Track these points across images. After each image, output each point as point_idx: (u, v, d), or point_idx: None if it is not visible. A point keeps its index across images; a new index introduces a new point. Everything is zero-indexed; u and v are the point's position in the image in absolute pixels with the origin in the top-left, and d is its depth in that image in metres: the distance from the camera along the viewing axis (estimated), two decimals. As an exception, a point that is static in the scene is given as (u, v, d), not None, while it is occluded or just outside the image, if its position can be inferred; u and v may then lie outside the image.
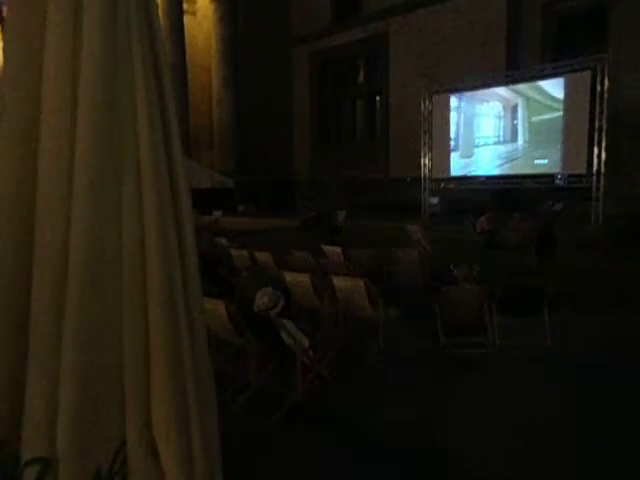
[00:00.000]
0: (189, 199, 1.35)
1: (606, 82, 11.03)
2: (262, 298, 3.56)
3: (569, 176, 12.16)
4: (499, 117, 13.71)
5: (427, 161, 15.09)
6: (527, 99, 13.05)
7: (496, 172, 13.82)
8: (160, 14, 1.60)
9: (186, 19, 19.61)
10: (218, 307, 3.40)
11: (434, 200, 15.17)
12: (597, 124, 11.26)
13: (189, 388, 1.22)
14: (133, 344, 1.18)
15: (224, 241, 7.78)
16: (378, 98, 19.51)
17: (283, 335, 3.40)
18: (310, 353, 3.52)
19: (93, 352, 1.14)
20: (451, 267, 4.96)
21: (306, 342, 3.49)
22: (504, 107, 13.57)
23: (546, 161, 12.85)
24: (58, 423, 1.10)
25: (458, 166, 14.68)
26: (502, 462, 2.75)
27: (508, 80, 13.60)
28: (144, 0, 1.29)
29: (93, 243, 1.15)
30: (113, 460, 1.16)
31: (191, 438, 1.21)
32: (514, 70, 13.95)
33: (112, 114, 1.18)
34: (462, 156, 14.56)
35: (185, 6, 19.61)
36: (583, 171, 11.80)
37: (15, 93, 1.18)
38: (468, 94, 14.28)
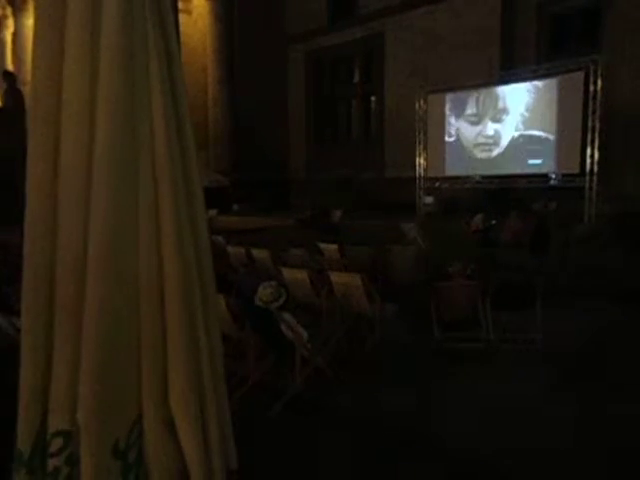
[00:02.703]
0: (202, 193, 1.41)
1: (599, 83, 11.16)
2: (265, 290, 3.62)
3: (563, 176, 12.30)
4: (492, 116, 13.83)
5: (422, 160, 15.19)
6: (521, 100, 13.18)
7: (490, 172, 13.93)
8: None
9: (181, 18, 19.61)
10: (218, 301, 3.45)
11: (429, 199, 15.27)
12: (590, 124, 11.39)
13: (204, 364, 1.28)
14: (151, 324, 1.24)
15: (220, 239, 7.83)
16: (374, 97, 19.57)
17: (283, 328, 3.47)
18: (309, 346, 3.58)
19: (113, 332, 1.21)
20: (446, 264, 5.04)
21: (305, 335, 3.55)
22: (497, 106, 13.69)
23: (540, 161, 12.98)
24: (79, 397, 1.17)
25: (453, 165, 14.79)
26: (498, 450, 2.83)
27: (502, 80, 13.73)
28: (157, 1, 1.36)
29: (112, 233, 1.21)
30: (129, 433, 1.23)
31: (206, 411, 1.28)
32: (508, 70, 14.08)
33: (129, 109, 1.24)
34: (457, 155, 14.66)
35: (180, 5, 19.60)
36: (576, 171, 11.94)
37: (42, 91, 1.24)
38: (463, 94, 14.39)
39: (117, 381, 1.22)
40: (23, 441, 1.25)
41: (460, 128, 14.55)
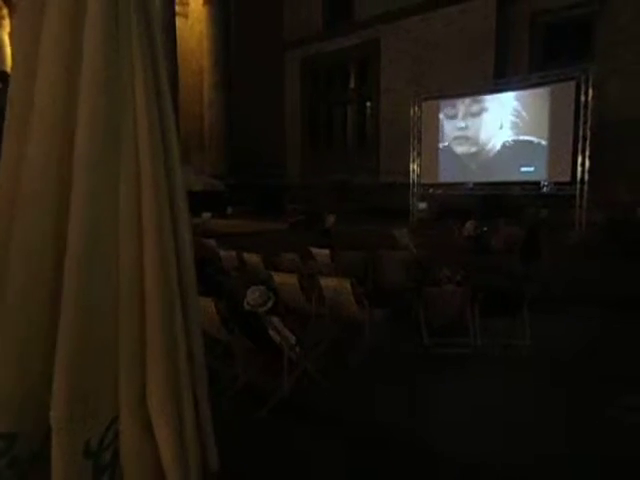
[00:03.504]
0: (185, 193, 1.42)
1: (590, 92, 11.30)
2: (253, 294, 3.63)
3: (555, 184, 12.42)
4: (485, 123, 13.96)
5: (416, 166, 15.28)
6: (512, 108, 13.32)
7: (483, 178, 14.04)
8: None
9: (178, 21, 19.66)
10: (207, 304, 3.47)
11: (422, 205, 15.36)
12: (581, 133, 11.53)
13: (182, 365, 1.29)
14: (129, 325, 1.26)
15: (212, 242, 7.83)
16: (369, 103, 19.70)
17: (271, 332, 3.49)
18: (297, 350, 3.60)
19: (89, 334, 1.21)
20: (435, 270, 5.09)
21: (293, 339, 3.57)
22: (490, 114, 13.82)
23: (532, 168, 13.10)
24: (52, 395, 1.17)
25: (446, 172, 14.88)
26: (484, 452, 2.85)
27: (496, 88, 13.88)
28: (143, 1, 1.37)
29: (90, 233, 1.22)
30: (105, 433, 1.24)
31: (184, 412, 1.29)
32: (502, 79, 14.23)
33: (111, 113, 1.26)
34: (451, 161, 14.76)
35: (177, 8, 19.67)
36: (567, 179, 12.06)
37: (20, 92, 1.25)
38: (457, 101, 14.52)
39: (92, 382, 1.22)
40: None
41: (453, 135, 14.66)
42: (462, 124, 14.44)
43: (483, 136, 14.08)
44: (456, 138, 14.60)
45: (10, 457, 1.21)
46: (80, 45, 1.22)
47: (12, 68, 1.29)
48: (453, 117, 14.65)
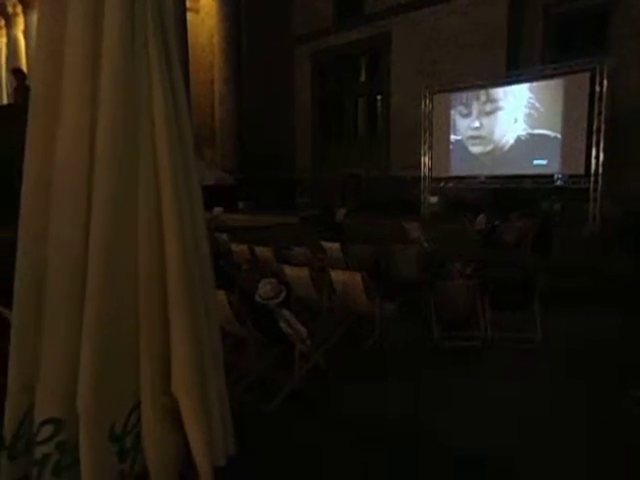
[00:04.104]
0: (200, 189, 1.47)
1: (605, 84, 11.13)
2: (265, 287, 3.68)
3: (569, 177, 12.27)
4: (499, 116, 13.82)
5: (427, 160, 15.20)
6: (527, 100, 13.17)
7: (495, 172, 13.92)
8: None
9: (189, 16, 19.71)
10: (219, 297, 3.52)
11: (434, 199, 15.28)
12: (595, 125, 11.37)
13: (206, 353, 1.34)
14: (152, 315, 1.30)
15: (224, 236, 7.91)
16: (379, 97, 19.59)
17: (282, 325, 3.53)
18: (308, 342, 3.65)
19: (113, 324, 1.27)
20: (446, 263, 5.09)
21: (304, 332, 3.61)
22: (503, 106, 13.68)
23: (545, 161, 12.96)
24: (79, 385, 1.23)
25: (458, 165, 14.79)
26: (496, 445, 2.87)
27: (508, 80, 13.72)
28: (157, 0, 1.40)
29: (113, 226, 1.27)
30: (127, 418, 1.29)
31: (209, 398, 1.34)
32: (514, 71, 14.06)
33: (130, 107, 1.29)
34: (462, 155, 14.66)
35: (188, 3, 19.72)
36: (581, 172, 11.92)
37: (42, 90, 1.29)
38: (469, 93, 14.39)
39: (115, 369, 1.28)
40: (7, 428, 1.32)
41: (465, 127, 14.55)
42: (474, 117, 14.31)
43: (496, 129, 13.94)
44: (468, 130, 14.47)
45: (58, 441, 1.28)
46: (100, 45, 1.26)
47: (33, 66, 1.33)
48: (466, 110, 14.53)
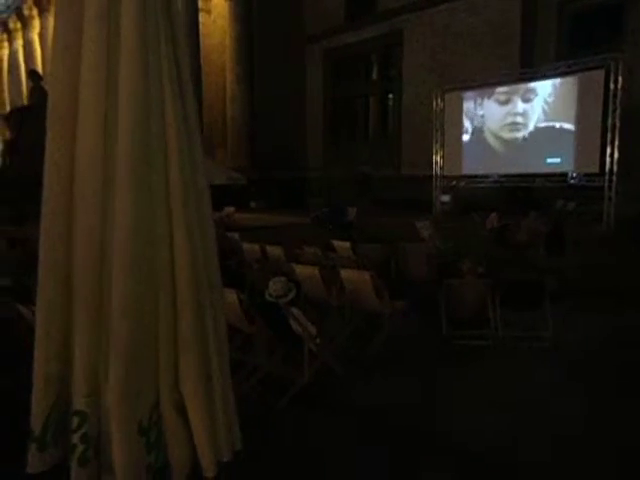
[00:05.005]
0: (208, 190, 1.50)
1: (620, 81, 10.97)
2: (275, 285, 3.71)
3: (584, 175, 12.12)
4: (512, 115, 13.70)
5: (439, 159, 15.13)
6: (540, 97, 13.04)
7: (508, 171, 13.79)
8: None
9: (201, 17, 19.88)
10: (230, 296, 3.55)
11: (445, 198, 15.21)
12: (610, 123, 11.21)
13: (212, 352, 1.38)
14: (166, 315, 1.35)
15: (236, 236, 7.97)
16: (391, 95, 19.55)
17: (292, 323, 3.56)
18: (317, 340, 3.67)
19: (136, 324, 1.32)
20: (457, 262, 5.08)
21: (313, 330, 3.63)
22: (516, 104, 13.55)
23: (559, 160, 12.82)
24: (108, 382, 1.29)
25: (470, 164, 14.69)
26: (504, 442, 2.87)
27: (522, 78, 13.59)
28: (168, 2, 1.43)
29: (131, 229, 1.31)
30: (150, 414, 1.35)
31: (214, 396, 1.39)
32: (528, 68, 13.92)
33: (144, 110, 1.33)
34: (474, 153, 14.56)
35: (200, 4, 19.87)
36: (596, 170, 11.76)
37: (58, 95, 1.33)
38: (481, 92, 14.28)
39: (139, 369, 1.33)
40: (35, 420, 1.37)
41: (477, 126, 14.45)
42: (487, 113, 14.21)
43: (507, 126, 13.82)
44: (481, 130, 14.38)
45: (82, 433, 1.34)
46: (116, 46, 1.30)
47: (50, 67, 1.36)
48: (477, 107, 14.43)
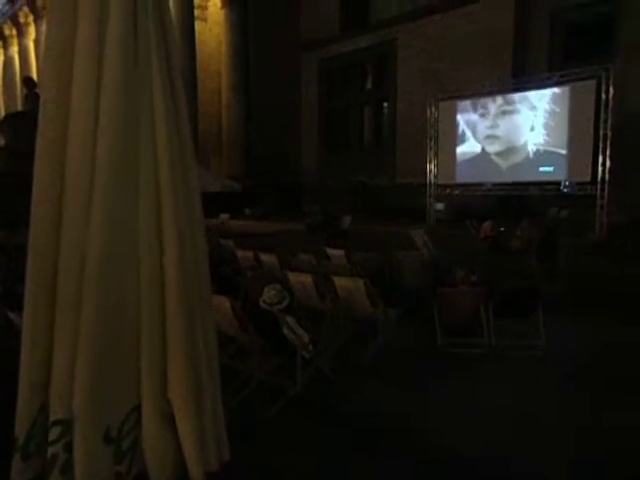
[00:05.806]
0: (199, 197, 1.49)
1: (611, 91, 11.11)
2: (269, 292, 3.70)
3: (576, 184, 12.23)
4: (502, 123, 13.82)
5: (433, 167, 15.21)
6: (533, 107, 13.17)
7: (502, 179, 13.89)
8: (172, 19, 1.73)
9: (197, 25, 19.94)
10: (222, 303, 3.54)
11: (440, 206, 15.28)
12: (602, 132, 11.34)
13: (202, 360, 1.37)
14: (151, 323, 1.33)
15: (230, 243, 7.94)
16: (385, 104, 19.67)
17: (285, 330, 3.54)
18: (310, 348, 3.65)
19: (111, 329, 1.29)
20: (451, 270, 5.09)
21: (307, 338, 3.62)
22: (507, 113, 13.68)
23: (551, 168, 12.94)
24: (75, 387, 1.25)
25: (464, 172, 14.77)
26: (496, 452, 2.86)
27: (514, 88, 13.73)
28: (160, 10, 1.43)
29: (114, 233, 1.30)
30: (124, 421, 1.31)
31: (203, 405, 1.36)
32: (520, 78, 14.07)
33: (132, 115, 1.32)
34: (468, 162, 14.65)
35: (196, 12, 19.95)
36: (588, 179, 11.87)
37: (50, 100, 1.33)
38: (474, 101, 14.40)
39: (112, 373, 1.30)
40: (19, 429, 1.35)
41: (471, 134, 14.56)
42: (479, 123, 14.32)
43: (499, 135, 13.94)
44: (475, 138, 14.48)
45: (65, 442, 1.31)
46: (106, 53, 1.30)
47: (42, 73, 1.36)
48: (469, 118, 14.55)
